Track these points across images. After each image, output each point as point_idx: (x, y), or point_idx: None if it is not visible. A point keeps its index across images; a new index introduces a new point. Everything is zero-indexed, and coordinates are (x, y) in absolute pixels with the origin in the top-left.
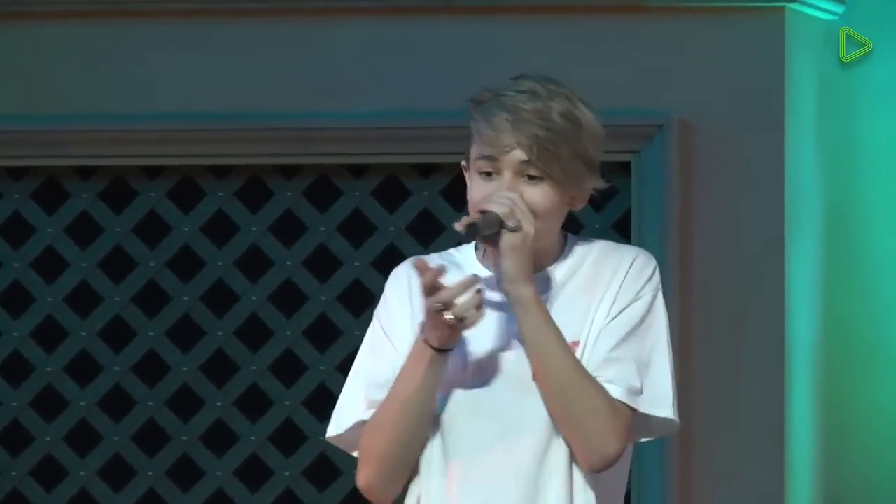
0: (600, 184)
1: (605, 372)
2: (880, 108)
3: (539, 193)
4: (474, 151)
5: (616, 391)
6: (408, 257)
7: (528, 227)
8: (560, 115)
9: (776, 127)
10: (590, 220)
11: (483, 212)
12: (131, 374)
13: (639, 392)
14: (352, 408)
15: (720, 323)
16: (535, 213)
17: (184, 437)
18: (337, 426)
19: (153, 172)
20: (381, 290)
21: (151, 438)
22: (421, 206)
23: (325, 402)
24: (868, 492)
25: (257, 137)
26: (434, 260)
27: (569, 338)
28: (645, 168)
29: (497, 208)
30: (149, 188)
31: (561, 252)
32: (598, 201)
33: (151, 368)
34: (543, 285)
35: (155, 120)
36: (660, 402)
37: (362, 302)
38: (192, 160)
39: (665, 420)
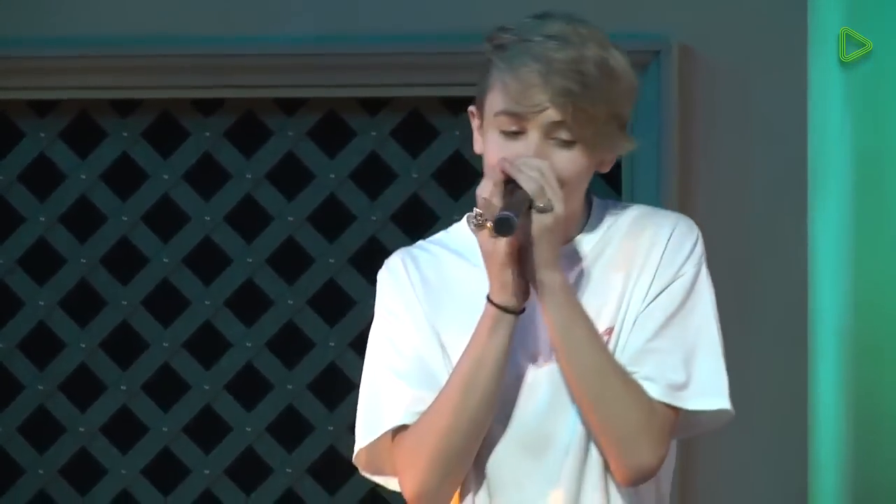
0: (631, 145)
1: (643, 366)
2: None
3: (569, 160)
4: (493, 102)
5: (655, 390)
6: (351, 210)
7: (559, 206)
8: (596, 65)
9: (798, 57)
10: None
11: (507, 183)
12: None
13: (682, 386)
14: (387, 410)
15: (729, 296)
16: (563, 182)
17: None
18: (368, 432)
19: (43, 108)
20: (318, 249)
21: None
22: (367, 150)
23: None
24: None
25: (168, 66)
26: (423, 249)
27: (601, 324)
28: (638, 104)
29: (528, 184)
30: (37, 127)
31: (586, 220)
32: None
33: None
34: (570, 261)
35: (44, 46)
36: (710, 392)
37: (295, 266)
38: (89, 94)
39: (717, 412)
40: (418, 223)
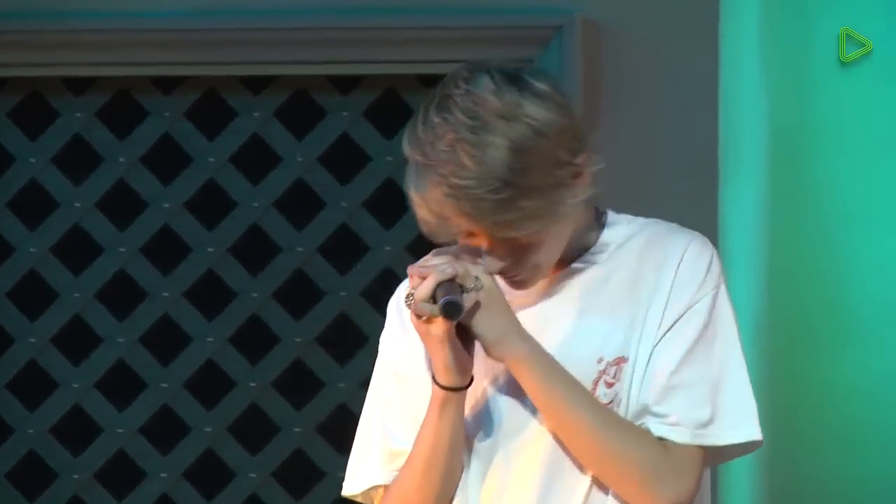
0: (589, 163)
1: (667, 405)
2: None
3: (532, 248)
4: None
5: (681, 435)
6: (231, 195)
7: (486, 278)
8: (507, 164)
9: (708, 30)
10: None
11: (441, 283)
12: None
13: (708, 422)
14: (368, 464)
15: None
16: (538, 266)
17: None
18: (352, 484)
19: None
20: (197, 237)
21: None
22: (250, 131)
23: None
24: (822, 494)
25: (38, 43)
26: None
27: (609, 352)
28: None
29: (443, 274)
30: None
31: (597, 237)
32: None
33: None
34: (574, 281)
35: None
36: (737, 423)
37: (173, 255)
38: None
39: (746, 442)
40: (303, 209)
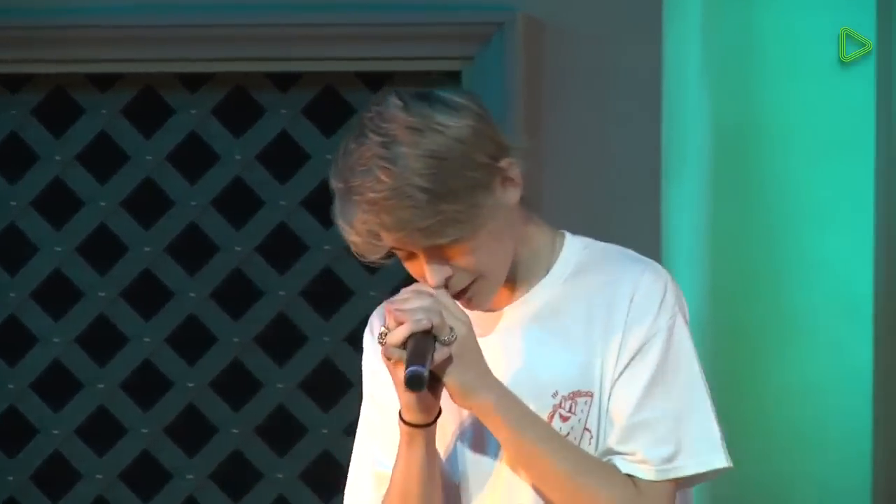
0: (514, 167)
1: (632, 444)
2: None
3: (464, 255)
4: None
5: (649, 473)
6: (168, 194)
7: (462, 328)
8: (421, 174)
9: (652, 29)
10: None
11: (411, 334)
12: None
13: (674, 456)
14: (360, 488)
15: None
16: (480, 274)
17: None
18: None
19: None
20: (133, 237)
21: None
22: (187, 128)
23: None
24: (765, 495)
25: None
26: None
27: (566, 386)
28: (480, 80)
29: (419, 325)
30: None
31: (551, 262)
32: None
33: None
34: (528, 315)
35: None
36: (703, 451)
37: (108, 254)
38: None
39: (715, 470)
40: (242, 208)
